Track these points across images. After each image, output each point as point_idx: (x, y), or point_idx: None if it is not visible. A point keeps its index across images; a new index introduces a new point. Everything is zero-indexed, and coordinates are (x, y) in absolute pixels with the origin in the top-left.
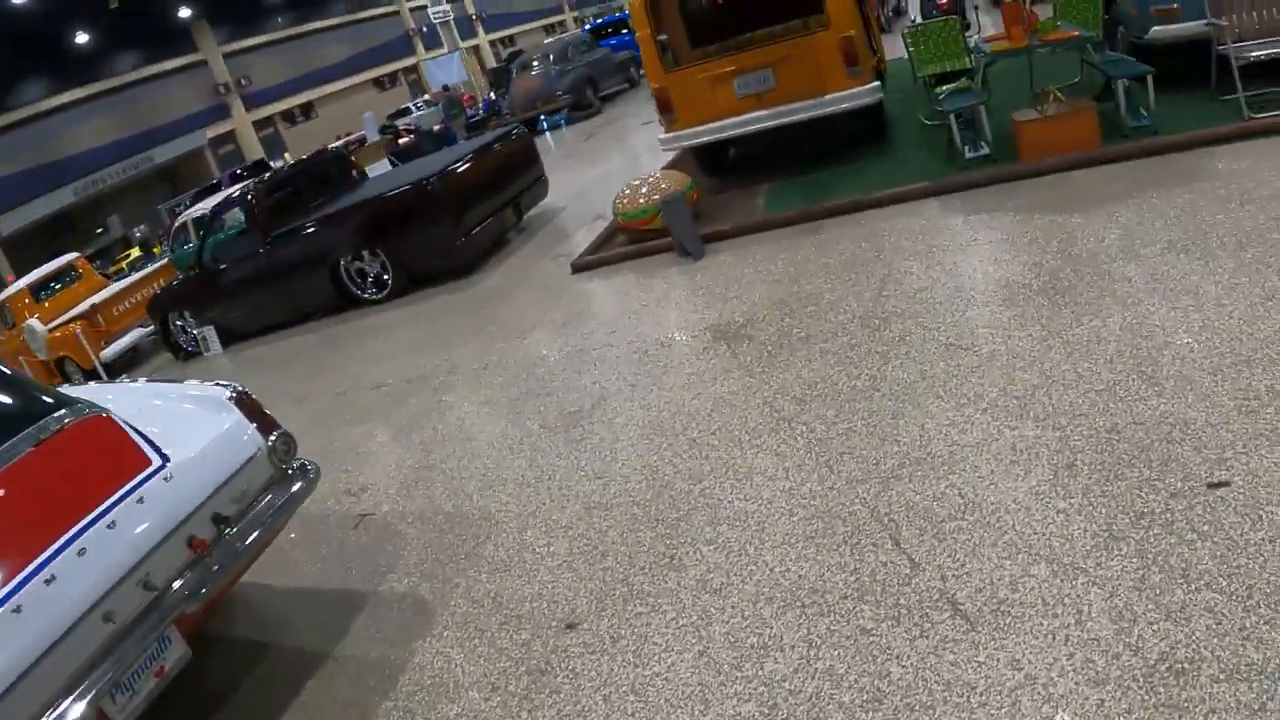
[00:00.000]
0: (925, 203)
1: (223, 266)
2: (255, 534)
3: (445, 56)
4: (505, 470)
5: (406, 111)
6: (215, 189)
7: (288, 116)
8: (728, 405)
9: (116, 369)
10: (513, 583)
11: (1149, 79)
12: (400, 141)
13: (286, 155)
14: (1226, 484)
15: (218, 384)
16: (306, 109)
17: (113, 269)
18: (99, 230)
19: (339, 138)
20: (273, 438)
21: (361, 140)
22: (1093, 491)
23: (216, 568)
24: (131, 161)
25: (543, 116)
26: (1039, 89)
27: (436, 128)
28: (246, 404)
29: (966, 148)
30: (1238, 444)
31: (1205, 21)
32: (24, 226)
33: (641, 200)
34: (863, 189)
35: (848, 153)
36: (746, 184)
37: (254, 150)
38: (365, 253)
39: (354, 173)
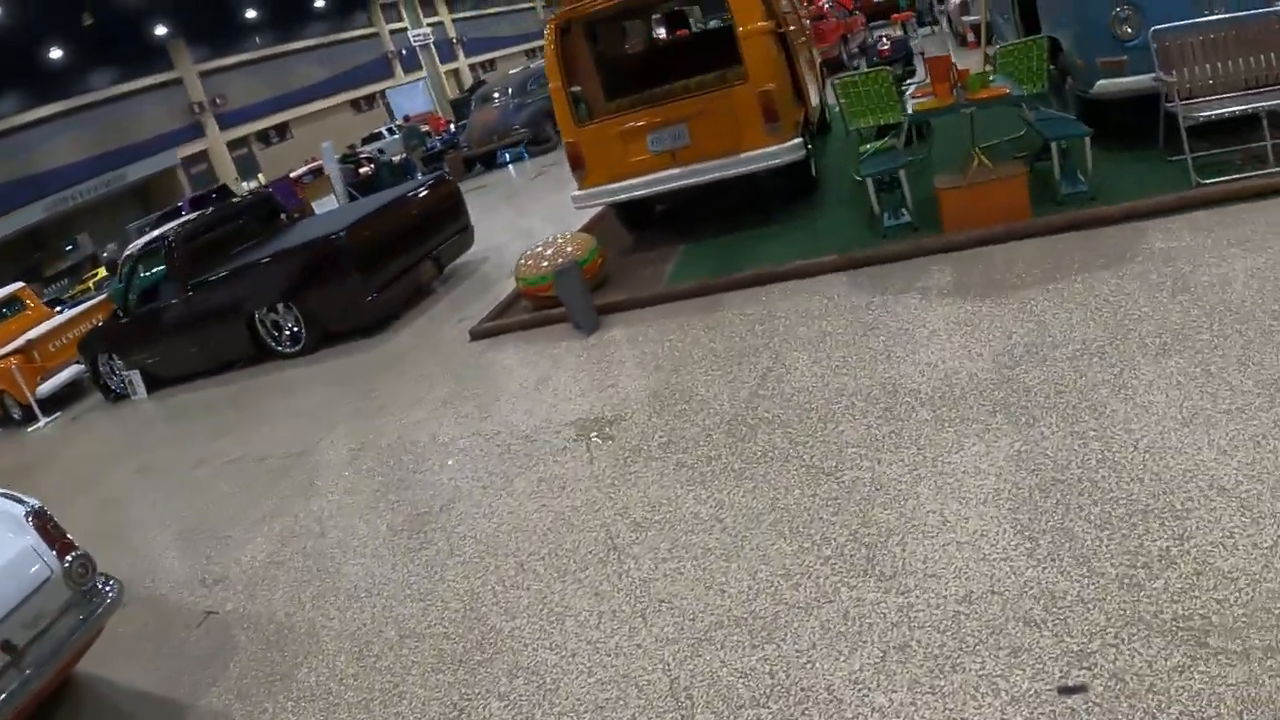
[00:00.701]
0: (834, 278)
1: (146, 310)
2: (50, 660)
3: (409, 84)
4: (342, 578)
5: (380, 135)
6: (177, 214)
7: (263, 137)
8: (566, 524)
9: (55, 404)
10: (312, 719)
11: (1086, 141)
12: (360, 171)
13: (260, 177)
14: (1082, 689)
15: (16, 499)
16: (282, 130)
17: (79, 288)
18: (68, 248)
19: (306, 162)
20: (69, 559)
21: (319, 170)
22: (920, 685)
23: (4, 696)
24: (103, 179)
25: (502, 150)
26: (967, 151)
27: (396, 159)
28: (43, 524)
29: (886, 214)
30: (1109, 630)
31: (1152, 76)
32: None
33: (545, 265)
34: (775, 257)
35: (773, 211)
36: (664, 243)
37: (227, 171)
38: (280, 306)
39: (282, 216)
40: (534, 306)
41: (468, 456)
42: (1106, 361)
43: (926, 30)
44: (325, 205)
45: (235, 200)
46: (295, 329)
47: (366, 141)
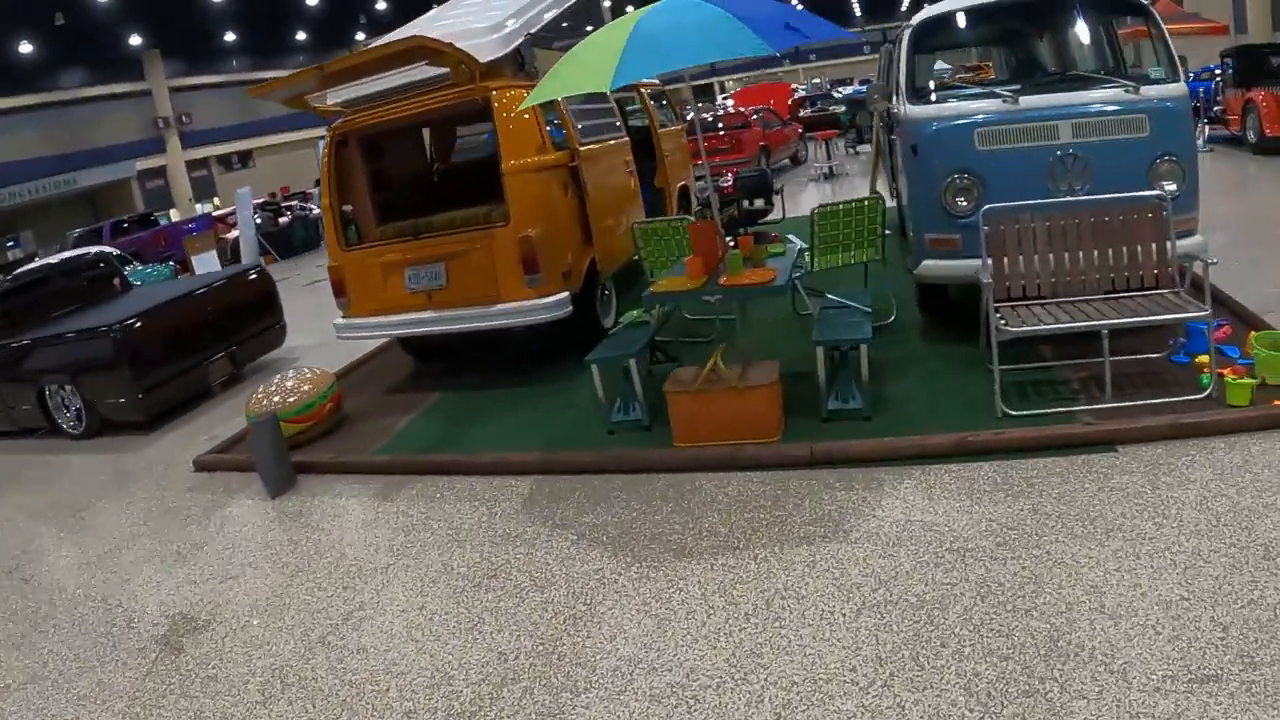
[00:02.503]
0: (521, 482)
1: None
2: None
3: None
4: None
5: None
6: (97, 236)
7: (224, 161)
8: None
9: None
10: None
11: (863, 349)
12: (280, 220)
13: (215, 200)
14: None
15: None
16: (245, 156)
17: None
18: (9, 244)
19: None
20: None
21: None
22: None
23: None
24: (53, 180)
25: None
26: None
27: (313, 213)
28: None
29: (617, 405)
30: None
31: (976, 267)
32: None
33: (277, 399)
34: (500, 433)
35: (545, 368)
36: (429, 384)
37: (183, 190)
38: (68, 385)
39: (116, 281)
40: None
41: (79, 629)
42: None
43: (868, 147)
44: (201, 262)
45: (68, 258)
46: (80, 410)
47: (317, 184)
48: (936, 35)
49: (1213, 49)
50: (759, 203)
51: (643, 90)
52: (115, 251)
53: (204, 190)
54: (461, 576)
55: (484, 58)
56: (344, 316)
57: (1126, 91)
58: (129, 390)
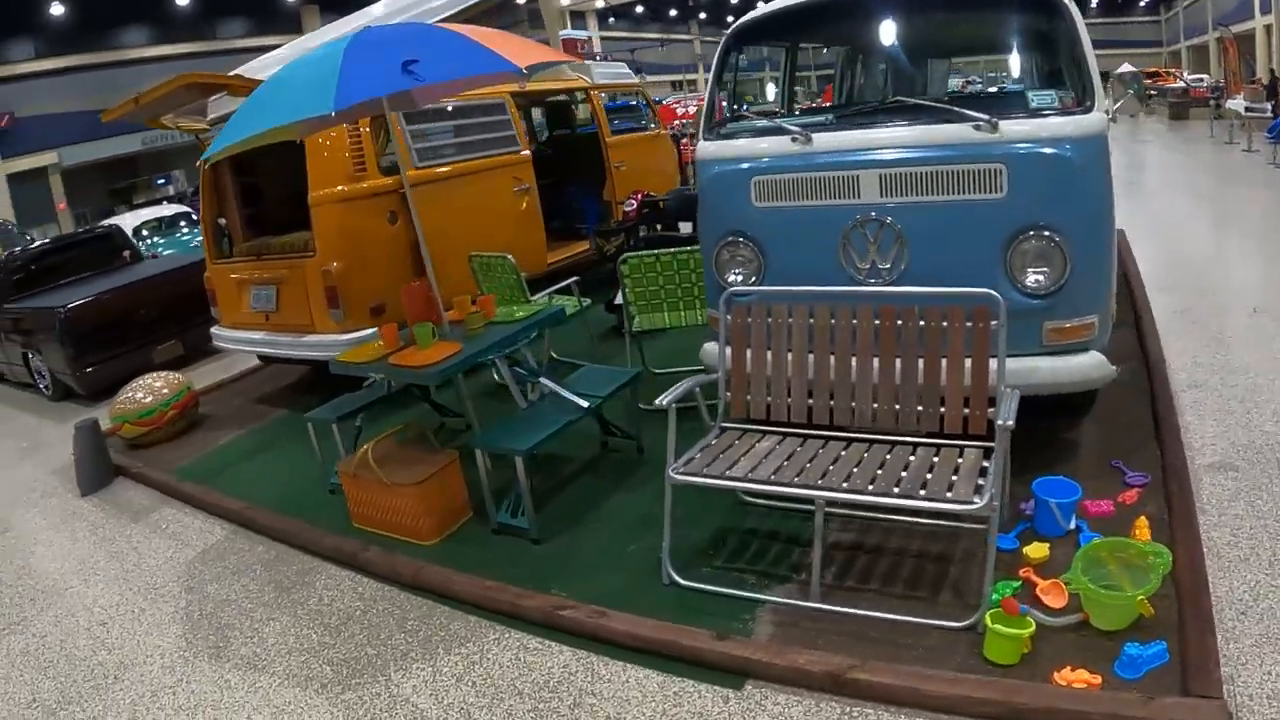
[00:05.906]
0: (221, 528)
1: None
2: None
3: None
4: None
5: None
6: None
7: None
8: None
9: None
10: None
11: (520, 462)
12: None
13: None
14: None
15: None
16: None
17: None
18: (160, 181)
19: None
20: None
21: None
22: None
23: None
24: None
25: None
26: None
27: None
28: None
29: (330, 470)
30: None
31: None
32: (87, 162)
33: (141, 396)
34: (257, 476)
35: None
36: (282, 400)
37: None
38: (39, 353)
39: (125, 253)
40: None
41: None
42: None
43: None
44: None
45: (77, 233)
46: (48, 376)
47: None
48: (759, 45)
49: None
50: (687, 229)
51: (594, 93)
52: (123, 224)
53: None
54: (72, 632)
55: None
56: (220, 325)
57: (977, 129)
58: (72, 365)
